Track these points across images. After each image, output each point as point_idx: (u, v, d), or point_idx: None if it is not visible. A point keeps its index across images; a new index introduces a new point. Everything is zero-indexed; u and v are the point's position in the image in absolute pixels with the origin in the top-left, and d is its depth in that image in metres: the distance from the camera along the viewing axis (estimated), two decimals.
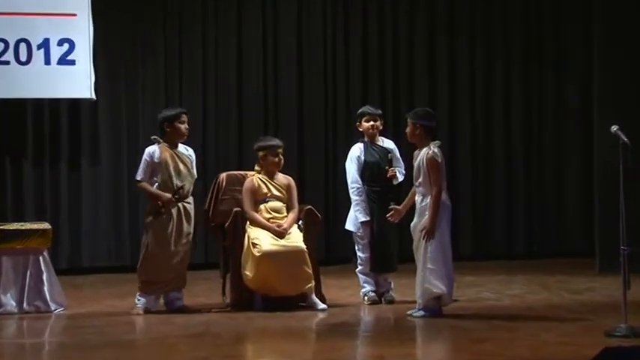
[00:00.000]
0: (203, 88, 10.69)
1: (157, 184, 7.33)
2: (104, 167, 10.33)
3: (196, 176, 7.53)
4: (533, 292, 8.29)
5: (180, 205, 7.32)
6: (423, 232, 6.82)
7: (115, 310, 7.54)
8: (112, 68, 10.36)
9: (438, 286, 6.80)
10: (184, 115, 7.46)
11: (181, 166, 7.38)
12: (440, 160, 6.87)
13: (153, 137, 7.49)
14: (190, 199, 7.43)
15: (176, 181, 7.31)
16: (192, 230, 7.38)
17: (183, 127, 7.41)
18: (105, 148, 10.35)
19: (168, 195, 7.26)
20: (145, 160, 7.37)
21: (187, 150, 7.53)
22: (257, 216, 7.44)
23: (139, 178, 7.40)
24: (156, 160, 7.33)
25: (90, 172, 10.31)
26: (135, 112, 10.36)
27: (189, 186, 7.42)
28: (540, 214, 11.39)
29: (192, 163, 7.49)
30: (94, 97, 9.89)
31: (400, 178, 7.81)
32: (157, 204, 7.27)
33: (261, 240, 7.25)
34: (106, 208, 10.32)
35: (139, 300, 7.31)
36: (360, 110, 7.92)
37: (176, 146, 7.43)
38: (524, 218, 11.36)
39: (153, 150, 7.38)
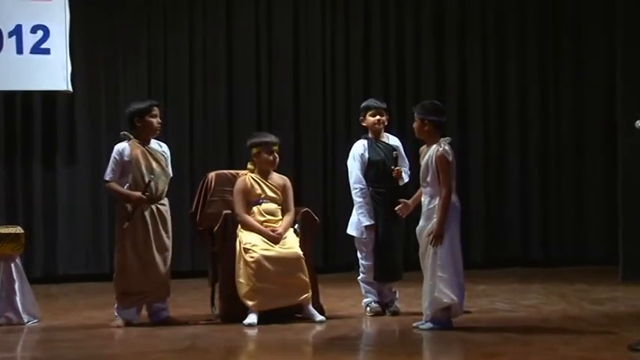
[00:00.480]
0: (190, 81, 10.70)
1: (127, 184, 7.28)
2: (82, 166, 10.34)
3: (172, 175, 7.48)
4: (550, 303, 8.29)
5: (153, 207, 7.27)
6: (431, 236, 6.81)
7: (93, 323, 7.52)
8: (90, 58, 10.37)
9: (449, 296, 6.79)
10: (156, 108, 7.38)
11: (154, 163, 7.32)
12: (450, 159, 6.85)
13: (122, 133, 7.43)
14: (165, 200, 7.38)
15: (149, 181, 7.24)
16: (170, 235, 7.36)
17: (155, 121, 7.33)
18: (82, 145, 10.36)
19: (138, 193, 7.21)
20: (114, 158, 7.31)
21: (161, 146, 7.47)
22: (249, 219, 7.44)
23: (107, 178, 7.32)
24: (126, 159, 7.28)
25: (66, 171, 10.32)
26: (115, 106, 10.36)
27: (163, 186, 7.35)
28: (558, 218, 11.41)
29: (166, 160, 7.43)
30: (70, 89, 9.89)
31: (405, 178, 7.79)
32: (127, 206, 7.21)
33: (253, 245, 7.24)
34: (83, 211, 10.33)
35: (117, 312, 7.30)
36: (364, 103, 7.90)
37: (148, 142, 7.35)
38: (541, 222, 11.39)
39: (122, 147, 7.32)
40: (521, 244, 11.36)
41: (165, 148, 7.49)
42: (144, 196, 7.19)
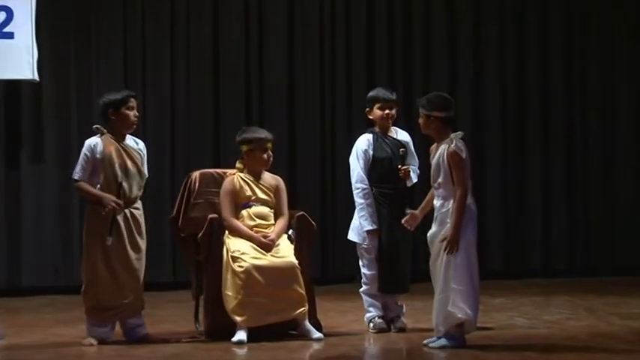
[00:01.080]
0: (171, 70, 10.70)
1: (99, 186, 7.23)
2: (49, 164, 10.33)
3: (147, 175, 7.45)
4: (576, 318, 8.29)
5: (127, 212, 7.23)
6: (445, 243, 6.79)
7: (62, 340, 7.49)
8: (59, 43, 10.35)
9: (464, 310, 6.76)
10: (133, 100, 7.34)
11: (129, 162, 7.28)
12: (464, 156, 6.84)
13: (95, 127, 7.38)
14: (139, 204, 7.34)
15: (122, 182, 7.21)
16: (145, 240, 7.33)
17: (132, 114, 7.29)
18: (50, 141, 10.35)
19: (111, 196, 7.12)
20: (85, 155, 7.26)
21: (137, 143, 7.43)
22: (238, 224, 7.42)
23: (76, 176, 7.26)
24: (98, 156, 7.23)
25: (31, 170, 10.30)
26: (88, 97, 10.35)
27: (138, 188, 7.31)
28: (585, 224, 11.41)
29: (142, 159, 7.39)
30: (36, 78, 9.88)
31: (414, 178, 7.78)
32: (100, 211, 7.16)
33: (242, 253, 7.23)
34: (51, 215, 10.32)
35: (89, 329, 7.26)
36: (371, 93, 7.86)
37: (123, 138, 7.33)
38: (566, 228, 11.39)
39: (94, 142, 7.27)
40: (543, 252, 11.35)
41: (141, 145, 7.46)
42: (119, 202, 7.15)
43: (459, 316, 6.78)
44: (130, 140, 7.39)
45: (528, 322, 8.08)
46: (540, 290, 10.07)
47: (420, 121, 7.00)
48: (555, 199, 11.40)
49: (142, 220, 7.33)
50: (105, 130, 7.31)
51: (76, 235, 10.23)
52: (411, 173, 7.72)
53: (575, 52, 11.52)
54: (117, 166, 7.23)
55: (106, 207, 7.13)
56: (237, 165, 7.63)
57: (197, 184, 7.72)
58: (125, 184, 7.21)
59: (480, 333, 7.12)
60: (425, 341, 6.96)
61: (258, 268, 7.20)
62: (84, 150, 7.28)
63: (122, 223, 7.21)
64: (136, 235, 7.26)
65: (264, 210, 7.51)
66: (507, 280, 10.75)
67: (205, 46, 10.77)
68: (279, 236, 7.42)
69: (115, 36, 10.53)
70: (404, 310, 7.78)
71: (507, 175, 11.36)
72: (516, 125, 11.40)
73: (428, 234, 7.01)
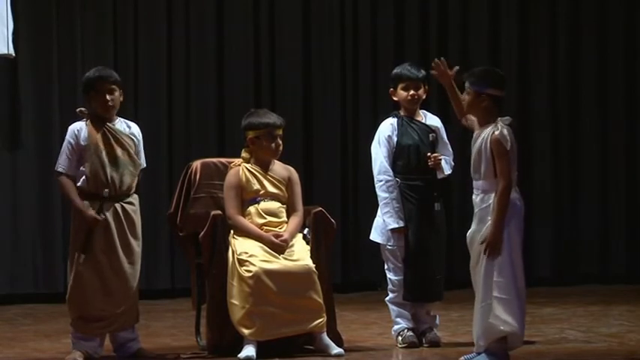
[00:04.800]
0: (168, 47, 10.69)
1: (84, 177, 7.24)
2: (27, 152, 10.36)
3: (144, 165, 7.46)
4: (638, 330, 8.29)
5: (118, 207, 7.25)
6: (485, 244, 6.80)
7: (43, 356, 7.54)
8: (38, 14, 10.37)
9: (508, 323, 6.76)
10: (111, 80, 7.29)
11: (119, 150, 7.27)
12: (508, 147, 6.83)
13: (78, 110, 7.39)
14: (133, 198, 7.36)
15: (111, 173, 7.21)
16: (140, 242, 7.36)
17: (109, 97, 7.24)
18: (28, 125, 10.38)
19: (92, 211, 7.11)
20: (68, 142, 7.27)
21: (129, 127, 7.42)
22: (245, 222, 7.46)
23: (59, 168, 7.26)
24: (82, 142, 7.23)
25: (6, 158, 10.34)
26: (72, 75, 10.36)
27: (130, 179, 7.30)
28: None
29: (136, 145, 7.38)
30: (12, 53, 9.91)
31: (447, 169, 7.78)
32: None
33: (250, 256, 7.26)
34: (30, 212, 10.35)
35: (75, 343, 7.31)
36: (395, 70, 7.87)
37: (110, 121, 7.33)
38: (626, 227, 11.38)
39: (78, 128, 7.29)
40: (600, 256, 11.35)
41: (135, 129, 7.45)
42: (99, 217, 7.15)
43: (502, 328, 6.78)
44: (120, 124, 7.39)
45: (582, 336, 8.09)
46: (597, 299, 10.07)
47: (468, 99, 6.97)
48: (613, 197, 11.39)
49: (136, 218, 7.34)
50: (88, 113, 7.34)
51: (57, 235, 10.28)
52: (443, 163, 7.71)
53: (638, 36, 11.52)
54: (104, 154, 7.22)
55: (86, 221, 7.14)
56: (243, 154, 7.64)
57: (198, 176, 7.76)
58: (115, 175, 7.22)
59: (526, 348, 7.13)
60: (462, 358, 6.97)
61: (268, 272, 7.23)
62: (67, 137, 7.30)
63: (112, 221, 7.23)
64: (129, 235, 7.27)
65: (275, 205, 7.54)
66: (558, 287, 10.76)
67: (208, 21, 10.75)
68: (292, 236, 7.45)
69: (104, 5, 10.54)
70: (437, 321, 7.80)
71: (559, 169, 11.34)
72: (569, 118, 11.38)
73: (468, 233, 7.01)
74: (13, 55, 9.97)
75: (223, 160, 7.90)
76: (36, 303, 10.09)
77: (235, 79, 10.81)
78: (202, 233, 7.47)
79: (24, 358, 7.52)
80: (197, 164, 7.83)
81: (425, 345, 7.65)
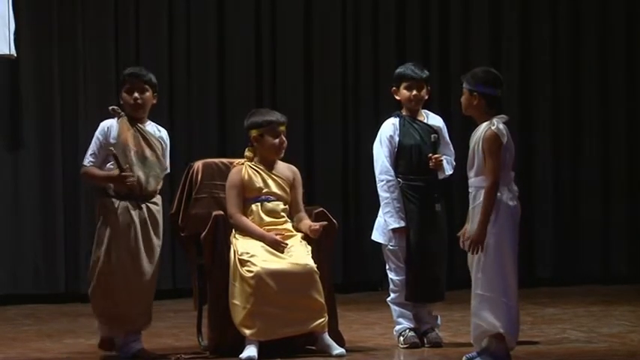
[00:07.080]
0: (169, 45, 10.69)
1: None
2: (29, 152, 10.36)
3: (168, 169, 7.52)
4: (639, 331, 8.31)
5: (144, 207, 7.29)
6: (468, 242, 6.77)
7: (44, 356, 7.55)
8: (39, 14, 10.38)
9: (491, 322, 6.75)
10: (144, 77, 7.36)
11: (148, 151, 7.33)
12: (503, 141, 6.81)
13: (111, 108, 7.45)
14: (157, 198, 7.41)
15: (139, 173, 7.25)
16: (160, 245, 7.37)
17: (140, 95, 7.31)
18: (30, 124, 10.38)
19: (118, 172, 7.16)
20: (97, 139, 7.33)
21: (159, 130, 7.50)
22: (246, 221, 7.46)
23: (86, 162, 7.33)
24: (112, 141, 7.29)
25: (7, 158, 10.34)
26: (74, 74, 10.38)
27: (156, 180, 7.38)
28: None
29: (163, 149, 7.45)
30: (13, 53, 9.92)
31: (448, 170, 7.79)
32: (111, 199, 7.22)
33: (252, 256, 7.26)
34: (31, 212, 10.36)
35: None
36: (398, 70, 7.89)
37: (141, 122, 7.40)
38: (627, 227, 11.38)
39: (109, 125, 7.35)
40: (601, 256, 11.35)
41: (164, 134, 7.51)
42: (128, 173, 7.14)
43: (486, 328, 6.75)
44: (151, 126, 7.45)
45: (583, 336, 8.09)
46: (598, 299, 10.05)
47: (462, 98, 6.99)
48: (614, 196, 11.39)
49: (160, 217, 7.38)
50: (122, 113, 7.37)
51: (59, 236, 10.29)
52: (444, 163, 7.73)
53: None
54: (132, 154, 7.26)
55: (126, 182, 7.16)
56: (247, 153, 7.62)
57: (199, 177, 7.76)
58: (141, 174, 7.26)
59: (526, 348, 7.14)
60: (466, 356, 6.95)
61: (270, 272, 7.22)
62: (97, 133, 7.34)
63: (137, 220, 7.25)
64: (153, 235, 7.31)
65: (279, 205, 7.54)
66: (559, 288, 10.74)
67: (209, 17, 10.74)
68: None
69: (106, 5, 10.54)
70: (439, 321, 7.81)
71: (559, 169, 11.35)
72: (571, 117, 11.39)
73: (460, 232, 7.02)
74: (15, 55, 9.96)
75: (225, 160, 7.90)
76: (37, 303, 10.08)
77: (236, 80, 10.81)
78: (204, 234, 7.47)
79: (25, 358, 7.51)
80: (199, 164, 7.83)
81: (426, 345, 7.65)
